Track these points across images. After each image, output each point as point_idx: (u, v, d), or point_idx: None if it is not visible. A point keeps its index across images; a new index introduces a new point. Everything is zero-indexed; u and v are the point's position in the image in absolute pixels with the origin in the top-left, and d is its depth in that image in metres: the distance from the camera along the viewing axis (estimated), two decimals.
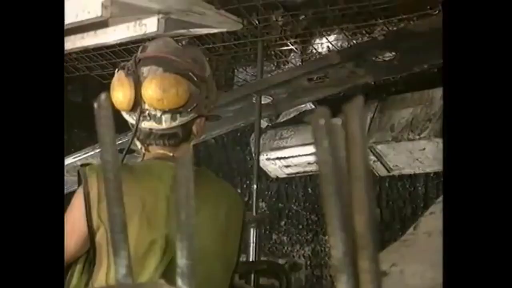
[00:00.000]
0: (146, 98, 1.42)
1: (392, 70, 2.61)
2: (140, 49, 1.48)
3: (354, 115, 0.61)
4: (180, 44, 1.52)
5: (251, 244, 2.60)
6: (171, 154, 1.45)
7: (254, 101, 2.73)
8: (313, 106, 3.23)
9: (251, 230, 2.60)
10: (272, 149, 3.18)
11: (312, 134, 0.65)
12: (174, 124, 1.45)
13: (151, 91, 1.41)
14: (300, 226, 3.47)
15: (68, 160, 2.94)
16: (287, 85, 2.63)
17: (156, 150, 1.48)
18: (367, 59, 2.44)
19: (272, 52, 3.16)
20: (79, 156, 3.04)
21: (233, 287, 1.53)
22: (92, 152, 2.93)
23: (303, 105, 3.25)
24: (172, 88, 1.41)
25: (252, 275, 2.48)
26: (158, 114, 1.44)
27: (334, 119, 0.64)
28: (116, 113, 1.43)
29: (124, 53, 2.73)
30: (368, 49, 2.47)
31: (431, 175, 2.95)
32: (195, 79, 1.44)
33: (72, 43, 1.63)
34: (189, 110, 1.45)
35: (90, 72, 3.10)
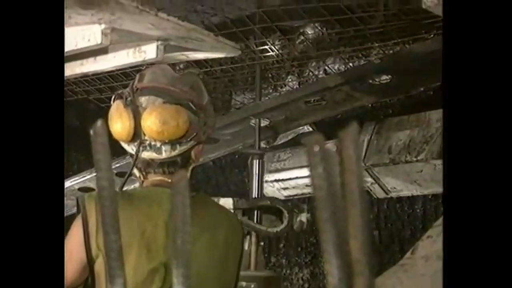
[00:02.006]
0: (146, 130, 1.42)
1: (389, 93, 2.63)
2: (137, 77, 1.48)
3: (349, 141, 0.62)
4: (177, 68, 1.52)
5: (254, 177, 2.57)
6: (169, 180, 1.45)
7: (252, 124, 2.74)
8: (310, 129, 3.25)
9: (254, 162, 2.55)
10: (270, 171, 3.18)
11: (307, 160, 0.66)
12: (173, 153, 1.45)
13: (151, 123, 1.41)
14: (299, 249, 3.46)
15: (66, 184, 2.94)
16: (285, 108, 2.64)
17: (155, 177, 1.48)
18: (363, 82, 2.47)
19: (270, 75, 3.19)
20: (77, 179, 3.04)
21: None
22: (90, 176, 2.93)
23: (300, 127, 3.27)
24: (172, 120, 1.41)
25: (255, 211, 2.47)
26: (158, 144, 1.43)
27: (329, 144, 0.65)
28: (113, 141, 1.43)
29: (122, 77, 2.75)
30: (364, 72, 2.49)
31: (429, 197, 2.95)
32: (194, 108, 1.44)
33: (71, 69, 1.65)
34: (188, 139, 1.45)
35: (88, 96, 3.12)
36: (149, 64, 1.61)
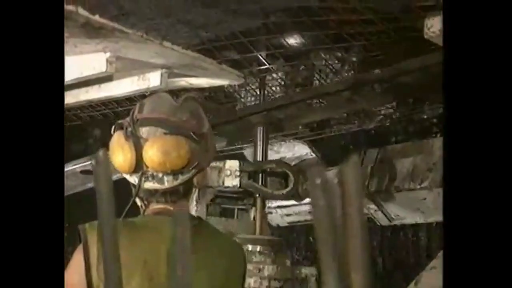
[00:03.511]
0: (148, 161, 1.42)
1: (388, 98, 2.62)
2: (137, 107, 1.48)
3: (350, 174, 0.62)
4: (178, 96, 1.52)
5: (258, 143, 2.55)
6: (171, 208, 1.44)
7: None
8: (313, 155, 3.25)
9: (258, 129, 2.54)
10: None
11: (309, 193, 0.66)
12: (176, 183, 1.45)
13: (152, 155, 1.41)
14: None
15: (68, 166, 2.88)
16: (286, 108, 2.62)
17: (157, 205, 1.47)
18: (363, 89, 2.47)
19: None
20: (80, 163, 2.97)
21: None
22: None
23: (304, 153, 3.27)
24: (173, 151, 1.41)
25: (260, 174, 2.45)
26: (160, 175, 1.43)
27: (330, 175, 0.65)
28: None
29: (126, 102, 2.77)
30: (364, 81, 2.48)
31: (433, 225, 2.94)
32: (195, 137, 1.44)
33: (76, 97, 1.67)
34: (191, 168, 1.45)
35: (92, 121, 3.13)
36: (153, 91, 1.61)
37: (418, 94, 2.56)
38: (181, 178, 1.44)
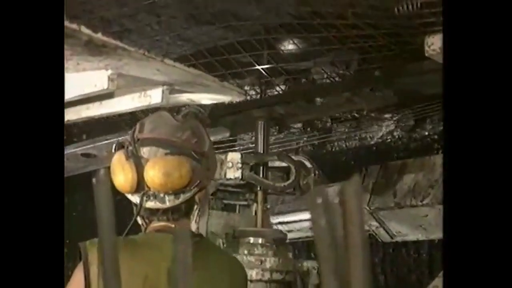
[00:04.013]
0: (149, 182, 1.41)
1: (388, 101, 2.63)
2: (137, 127, 1.48)
3: (351, 193, 0.62)
4: (179, 110, 1.52)
5: (260, 137, 2.55)
6: (173, 225, 1.44)
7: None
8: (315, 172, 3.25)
9: (259, 124, 2.54)
10: (274, 214, 3.17)
11: (310, 212, 0.65)
12: (177, 202, 1.45)
13: (153, 176, 1.40)
14: None
15: (69, 149, 2.85)
16: (287, 105, 2.62)
17: (158, 223, 1.47)
18: (362, 90, 2.47)
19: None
20: (81, 146, 2.95)
21: None
22: (93, 145, 2.87)
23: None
24: (175, 171, 1.41)
25: (261, 167, 2.44)
26: (162, 194, 1.43)
27: (331, 195, 0.65)
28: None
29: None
30: (364, 82, 2.49)
31: (435, 242, 2.92)
32: (196, 156, 1.44)
33: (77, 113, 1.68)
34: (192, 187, 1.44)
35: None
36: (154, 108, 1.62)
37: (418, 96, 2.57)
38: (183, 197, 1.44)
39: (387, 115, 3.11)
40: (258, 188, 2.45)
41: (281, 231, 2.62)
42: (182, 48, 2.25)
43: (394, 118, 3.13)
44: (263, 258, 2.30)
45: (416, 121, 3.10)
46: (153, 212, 1.45)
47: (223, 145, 2.96)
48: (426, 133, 2.86)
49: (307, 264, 2.46)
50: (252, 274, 2.24)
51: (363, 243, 0.64)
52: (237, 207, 2.60)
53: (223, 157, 2.37)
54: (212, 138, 1.57)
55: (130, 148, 1.43)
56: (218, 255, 1.53)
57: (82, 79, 1.44)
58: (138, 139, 1.44)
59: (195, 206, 1.51)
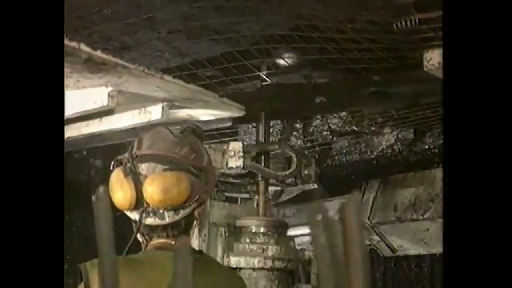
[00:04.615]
0: (148, 199, 1.41)
1: (388, 104, 2.63)
2: (135, 143, 1.47)
3: (351, 210, 0.62)
4: (177, 130, 1.51)
5: (261, 127, 2.54)
6: (173, 242, 1.44)
7: None
8: (315, 185, 3.24)
9: (261, 114, 2.52)
10: None
11: (310, 229, 0.65)
12: (177, 218, 1.44)
13: (152, 192, 1.40)
14: None
15: None
16: (287, 100, 2.62)
17: (158, 240, 1.46)
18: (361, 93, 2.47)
19: (274, 131, 3.21)
20: None
21: None
22: None
23: (307, 185, 3.26)
24: (174, 188, 1.40)
25: (263, 156, 2.44)
26: (161, 211, 1.43)
27: (331, 213, 0.65)
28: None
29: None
30: (362, 85, 2.49)
31: (437, 256, 2.91)
32: (195, 172, 1.44)
33: (78, 130, 1.68)
34: (191, 202, 1.44)
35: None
36: (154, 124, 1.62)
37: (415, 101, 2.57)
38: (182, 213, 1.44)
39: (387, 129, 3.12)
40: (260, 179, 2.46)
41: (283, 221, 2.63)
42: (184, 59, 2.26)
43: (394, 132, 3.14)
44: (265, 247, 2.31)
45: (416, 135, 3.10)
46: (153, 228, 1.44)
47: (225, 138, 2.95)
48: (426, 147, 2.86)
49: (309, 253, 2.47)
50: (254, 262, 2.27)
51: (364, 260, 0.64)
52: (239, 200, 2.61)
53: (225, 146, 2.38)
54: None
55: (129, 165, 1.42)
56: (219, 271, 1.53)
57: (82, 96, 1.44)
58: (136, 156, 1.44)
59: (195, 222, 1.51)
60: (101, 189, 0.59)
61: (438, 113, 2.73)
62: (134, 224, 1.45)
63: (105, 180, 1.43)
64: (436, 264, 2.96)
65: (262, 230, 2.36)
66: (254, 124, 2.80)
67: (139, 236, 1.47)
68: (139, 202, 1.41)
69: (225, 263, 2.25)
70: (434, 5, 1.66)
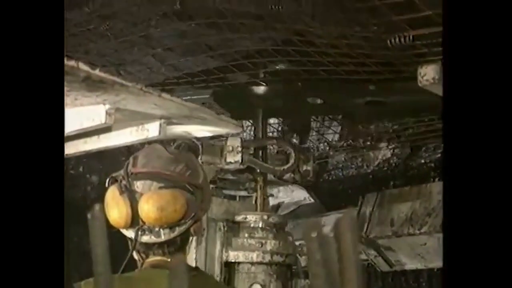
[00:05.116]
0: (144, 217, 1.42)
1: (384, 114, 2.64)
2: (131, 161, 1.48)
3: (346, 227, 0.63)
4: (173, 146, 1.52)
5: (259, 123, 2.56)
6: (168, 260, 1.44)
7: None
8: (311, 200, 3.25)
9: (259, 111, 2.55)
10: None
11: (305, 247, 0.66)
12: (173, 235, 1.44)
13: (148, 210, 1.41)
14: None
15: None
16: (284, 99, 2.63)
17: (154, 257, 1.46)
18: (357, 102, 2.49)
19: (271, 147, 3.23)
20: None
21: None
22: None
23: (302, 198, 3.27)
24: (169, 206, 1.41)
25: (261, 151, 2.45)
26: (157, 228, 1.43)
27: (328, 223, 0.65)
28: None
29: None
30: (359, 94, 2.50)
31: (435, 270, 2.91)
32: (191, 189, 1.44)
33: (75, 147, 1.69)
34: (187, 220, 1.44)
35: None
36: (152, 141, 1.63)
37: (410, 112, 2.59)
38: (178, 230, 1.44)
39: (383, 143, 3.14)
40: (258, 174, 2.47)
41: (282, 216, 2.65)
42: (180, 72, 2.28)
43: (390, 146, 3.15)
44: (263, 241, 2.33)
45: (412, 149, 3.12)
46: (149, 246, 1.44)
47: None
48: (423, 161, 2.87)
49: None
50: (253, 256, 2.29)
51: (359, 277, 0.65)
52: (237, 198, 2.62)
53: (223, 142, 2.39)
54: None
55: (124, 182, 1.43)
56: (214, 287, 1.53)
57: (80, 114, 1.45)
58: (132, 173, 1.44)
59: (190, 238, 1.51)
60: (97, 207, 0.59)
61: (434, 127, 2.74)
62: (130, 242, 1.45)
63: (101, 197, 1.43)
64: (434, 279, 2.96)
65: (260, 224, 2.38)
66: (251, 121, 2.83)
67: (135, 254, 1.47)
68: (134, 220, 1.41)
69: (224, 258, 2.27)
70: (428, 22, 1.68)
